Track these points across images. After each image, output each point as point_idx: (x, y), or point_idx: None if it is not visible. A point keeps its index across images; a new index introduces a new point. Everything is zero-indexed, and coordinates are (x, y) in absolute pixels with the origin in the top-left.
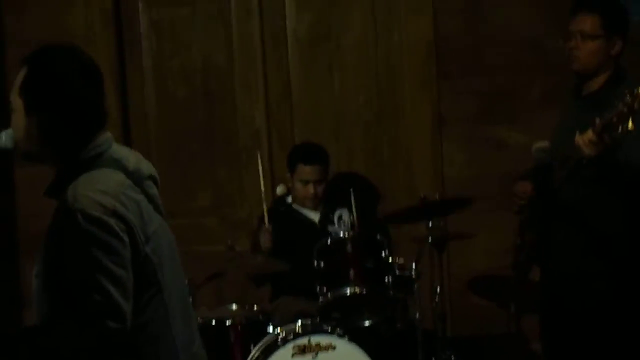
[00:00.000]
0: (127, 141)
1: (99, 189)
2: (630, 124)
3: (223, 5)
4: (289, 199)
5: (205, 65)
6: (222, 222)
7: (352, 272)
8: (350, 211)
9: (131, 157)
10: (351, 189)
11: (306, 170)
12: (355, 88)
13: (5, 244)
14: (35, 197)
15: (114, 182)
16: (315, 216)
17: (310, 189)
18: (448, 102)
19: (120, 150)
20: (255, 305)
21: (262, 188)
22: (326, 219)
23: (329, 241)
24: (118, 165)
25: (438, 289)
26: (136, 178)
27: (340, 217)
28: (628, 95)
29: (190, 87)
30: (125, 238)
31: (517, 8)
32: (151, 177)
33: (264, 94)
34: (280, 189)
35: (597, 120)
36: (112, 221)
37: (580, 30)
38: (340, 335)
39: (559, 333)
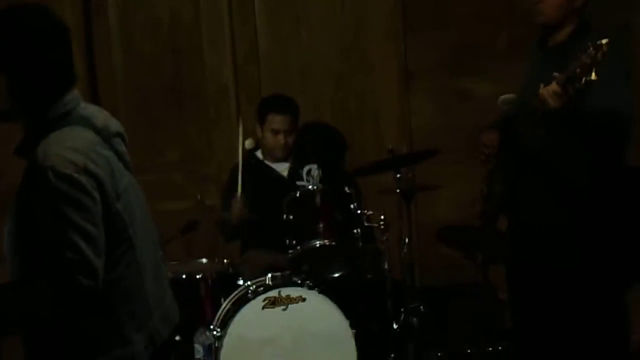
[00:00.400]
0: (94, 97)
1: (70, 146)
2: (593, 75)
3: None
4: (259, 154)
5: (172, 21)
6: (190, 178)
7: (321, 225)
8: (319, 165)
9: (99, 115)
10: (319, 143)
11: (277, 120)
12: (322, 42)
13: None
14: (3, 154)
15: (84, 140)
16: (284, 171)
17: (281, 138)
18: (415, 54)
19: (88, 108)
20: (225, 259)
21: (240, 159)
22: (295, 174)
23: (298, 194)
24: (87, 123)
25: (406, 240)
26: (105, 135)
27: (309, 172)
28: (591, 47)
29: (157, 43)
30: (97, 195)
31: None
32: (119, 135)
33: (231, 49)
34: (248, 143)
35: (560, 73)
36: (83, 178)
37: None
38: (310, 287)
39: (526, 283)
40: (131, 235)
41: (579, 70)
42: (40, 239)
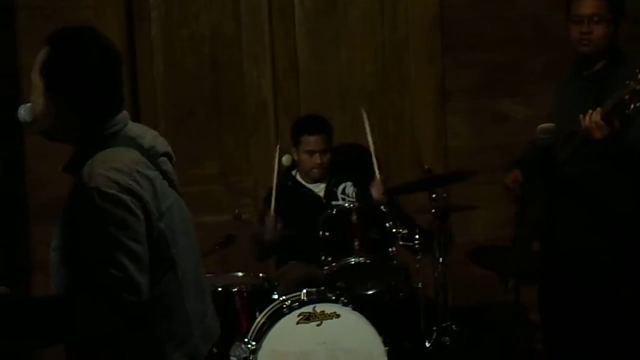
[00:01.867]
0: (135, 110)
1: (114, 167)
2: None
3: None
4: (297, 175)
5: (213, 35)
6: (228, 190)
7: (356, 243)
8: (354, 183)
9: (147, 135)
10: (355, 161)
11: (311, 141)
12: (361, 59)
13: (16, 211)
14: (45, 164)
15: (128, 160)
16: (321, 191)
17: (317, 159)
18: (452, 75)
19: (135, 128)
20: (260, 273)
21: (274, 180)
22: (331, 193)
23: (334, 211)
24: (133, 143)
25: (440, 259)
26: (151, 155)
27: (344, 190)
28: (635, 78)
29: (198, 57)
30: (140, 214)
31: None
32: (166, 154)
33: (271, 64)
34: (286, 159)
35: (605, 102)
36: (126, 198)
37: (591, 14)
38: (345, 304)
39: (559, 305)
40: (173, 255)
41: (627, 96)
42: (86, 256)
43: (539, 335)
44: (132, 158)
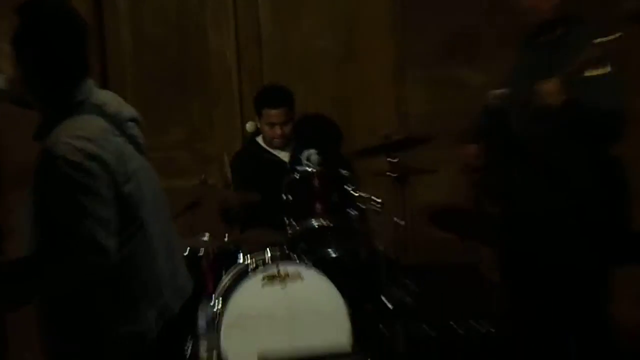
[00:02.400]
0: (103, 79)
1: (80, 135)
2: (597, 71)
3: None
4: (260, 141)
5: (179, 4)
6: (194, 157)
7: (318, 206)
8: (318, 151)
9: (112, 102)
10: (320, 132)
11: (272, 114)
12: (322, 30)
13: None
14: (16, 132)
15: (94, 128)
16: (285, 157)
17: (277, 130)
18: (411, 43)
19: (102, 96)
20: (226, 236)
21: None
22: (296, 160)
23: (297, 176)
24: (99, 111)
25: (400, 222)
26: (117, 121)
27: (308, 157)
28: (594, 44)
29: (164, 26)
30: (106, 179)
31: None
32: (133, 119)
33: (235, 32)
34: (249, 126)
35: (564, 69)
36: (93, 165)
37: None
38: (308, 266)
39: (519, 268)
40: (141, 215)
41: (583, 64)
42: (55, 221)
43: (496, 296)
44: (98, 126)
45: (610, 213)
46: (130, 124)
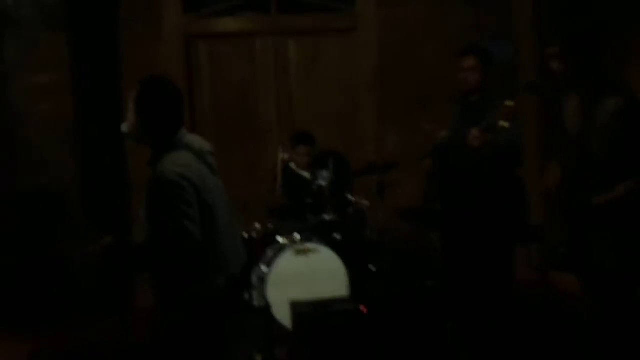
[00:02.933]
0: (192, 124)
1: (177, 163)
2: (505, 123)
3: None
4: (292, 164)
5: (239, 77)
6: (250, 176)
7: (328, 207)
8: (329, 172)
9: (197, 141)
10: (330, 159)
11: (302, 149)
12: (331, 93)
13: (123, 186)
14: (138, 157)
15: (185, 159)
16: (307, 175)
17: (305, 159)
18: (387, 103)
19: (190, 138)
20: (269, 225)
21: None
22: (314, 177)
23: (315, 187)
24: (188, 148)
25: (380, 216)
26: (199, 154)
27: (322, 175)
28: (502, 108)
29: (230, 91)
30: (192, 192)
31: (429, 48)
32: (210, 153)
33: (275, 98)
34: (283, 155)
35: (484, 123)
36: (184, 183)
37: (469, 66)
38: (322, 244)
39: (454, 242)
40: (214, 214)
41: (496, 121)
42: (163, 221)
43: (440, 263)
44: (187, 157)
45: (515, 212)
46: (209, 156)
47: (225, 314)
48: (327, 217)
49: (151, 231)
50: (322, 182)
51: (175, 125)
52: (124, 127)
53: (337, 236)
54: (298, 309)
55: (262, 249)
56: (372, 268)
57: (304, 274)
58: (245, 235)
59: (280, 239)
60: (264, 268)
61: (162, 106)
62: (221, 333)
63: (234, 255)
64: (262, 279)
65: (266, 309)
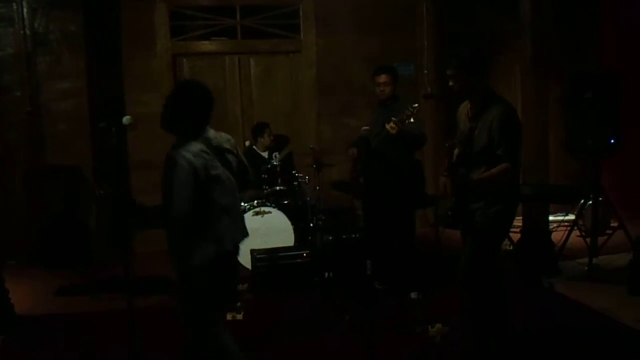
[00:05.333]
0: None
1: (189, 150)
2: (412, 119)
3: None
4: (256, 147)
5: (215, 86)
6: None
7: (279, 180)
8: (279, 153)
9: (218, 139)
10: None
11: (265, 138)
12: (283, 96)
13: (122, 165)
14: (135, 143)
15: (197, 149)
16: (266, 155)
17: (268, 139)
18: (324, 103)
19: (212, 134)
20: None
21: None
22: (270, 157)
23: (269, 165)
24: (207, 141)
25: (317, 187)
26: (217, 150)
27: (275, 156)
28: (411, 107)
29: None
30: (190, 176)
31: (354, 66)
32: (229, 151)
33: (240, 100)
34: (247, 143)
35: (397, 117)
36: (187, 167)
37: (384, 81)
38: (274, 207)
39: (372, 206)
40: (213, 199)
41: (406, 116)
42: (165, 190)
43: (358, 222)
44: (197, 147)
45: (416, 185)
46: (228, 154)
47: (217, 277)
48: (277, 187)
49: (163, 198)
50: (275, 162)
51: (200, 122)
52: (125, 120)
53: (286, 201)
54: (256, 254)
55: None
56: (312, 224)
57: (260, 229)
58: None
59: (243, 204)
60: None
61: (193, 104)
62: (213, 290)
63: (230, 234)
64: None
65: None
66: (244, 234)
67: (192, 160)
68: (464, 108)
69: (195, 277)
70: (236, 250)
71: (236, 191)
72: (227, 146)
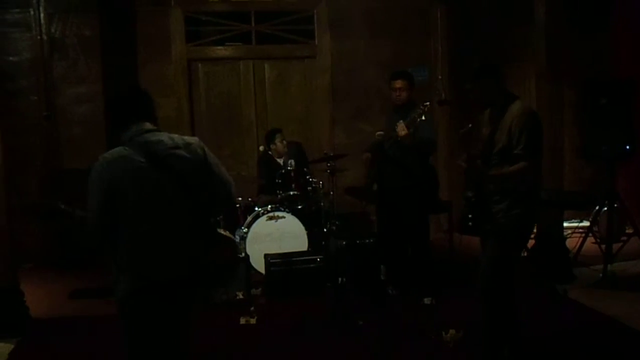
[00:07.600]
0: (192, 125)
1: (105, 156)
2: (423, 117)
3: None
4: (270, 153)
5: (229, 90)
6: (235, 161)
7: (293, 185)
8: (295, 160)
9: (156, 146)
10: (296, 151)
11: (278, 143)
12: (296, 102)
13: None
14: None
15: (115, 155)
16: (281, 161)
17: (281, 145)
18: (338, 109)
19: (153, 138)
20: (249, 198)
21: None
22: (285, 164)
23: (284, 171)
24: (140, 146)
25: (331, 193)
26: (154, 153)
27: (290, 163)
28: (421, 106)
29: (221, 99)
30: (97, 184)
31: (369, 71)
32: (173, 155)
33: (255, 106)
34: (261, 148)
35: (407, 118)
36: (94, 175)
37: (399, 87)
38: (288, 212)
39: (386, 212)
40: (129, 214)
41: (416, 116)
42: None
43: (375, 226)
44: (118, 152)
45: (429, 190)
46: (171, 158)
47: (153, 312)
48: (292, 192)
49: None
50: (290, 167)
51: (119, 124)
52: None
53: (300, 206)
54: (270, 259)
55: (243, 216)
56: (325, 229)
57: (274, 234)
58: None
59: (257, 208)
60: (244, 229)
61: (114, 108)
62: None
63: (153, 262)
64: (243, 238)
65: (246, 259)
66: (177, 270)
67: (99, 168)
68: (487, 114)
69: (119, 311)
70: (184, 282)
71: (170, 214)
72: (165, 153)
